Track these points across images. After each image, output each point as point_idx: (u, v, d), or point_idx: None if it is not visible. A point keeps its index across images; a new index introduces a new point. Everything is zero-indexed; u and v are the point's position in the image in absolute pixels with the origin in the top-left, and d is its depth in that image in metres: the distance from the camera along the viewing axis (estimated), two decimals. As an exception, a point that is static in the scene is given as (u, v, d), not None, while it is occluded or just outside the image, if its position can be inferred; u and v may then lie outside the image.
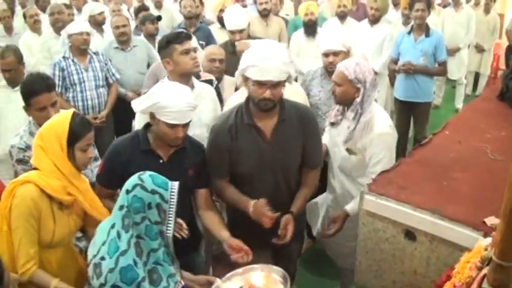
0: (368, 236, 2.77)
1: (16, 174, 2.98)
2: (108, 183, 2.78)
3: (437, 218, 2.45)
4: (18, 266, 2.25)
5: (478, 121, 3.76)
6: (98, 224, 2.40)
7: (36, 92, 2.97)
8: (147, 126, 2.71)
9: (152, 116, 2.56)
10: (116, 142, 2.79)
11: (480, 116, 3.91)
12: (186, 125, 2.59)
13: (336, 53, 3.77)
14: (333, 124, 3.31)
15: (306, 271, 4.16)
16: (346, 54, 3.81)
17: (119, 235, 2.05)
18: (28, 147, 2.97)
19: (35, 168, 2.37)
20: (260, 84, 2.59)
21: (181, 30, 3.31)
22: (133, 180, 2.08)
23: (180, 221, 2.46)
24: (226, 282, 2.41)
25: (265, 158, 2.77)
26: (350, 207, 3.07)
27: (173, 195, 2.09)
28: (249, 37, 4.82)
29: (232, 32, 4.63)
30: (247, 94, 2.74)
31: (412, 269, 2.61)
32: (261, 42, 2.73)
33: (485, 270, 1.43)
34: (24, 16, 6.40)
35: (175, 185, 2.11)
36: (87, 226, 2.58)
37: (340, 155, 3.22)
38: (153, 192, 2.05)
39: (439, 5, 8.90)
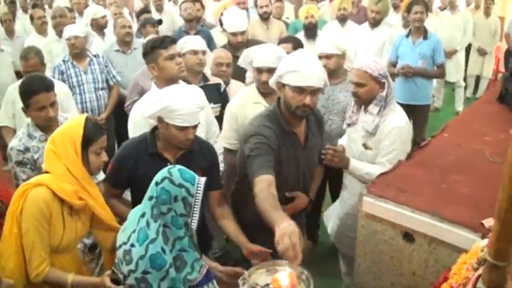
0: (367, 237, 2.78)
1: (15, 176, 3.02)
2: (116, 184, 2.80)
3: (436, 220, 2.46)
4: (32, 268, 2.26)
5: (478, 123, 3.77)
6: (107, 228, 2.52)
7: (35, 91, 2.98)
8: (155, 129, 2.71)
9: (160, 120, 2.55)
10: (125, 144, 2.80)
11: (480, 119, 3.92)
12: (195, 127, 2.59)
13: (328, 56, 3.78)
14: (349, 125, 3.35)
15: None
16: (341, 57, 3.82)
17: (148, 224, 2.15)
18: (27, 149, 3.01)
19: (45, 172, 2.39)
20: (300, 90, 2.58)
21: (167, 36, 3.33)
22: (163, 172, 2.17)
23: None
24: (253, 276, 2.41)
25: (301, 165, 2.83)
26: (355, 162, 3.10)
27: (199, 190, 2.16)
28: (251, 40, 4.85)
29: (233, 34, 4.62)
30: (282, 101, 2.71)
31: (411, 270, 2.62)
32: (299, 51, 2.73)
33: (480, 271, 1.44)
34: (32, 18, 6.42)
35: (202, 180, 2.18)
36: (96, 230, 2.60)
37: (358, 151, 3.23)
38: (180, 186, 2.13)
39: (439, 7, 8.92)
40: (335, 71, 3.75)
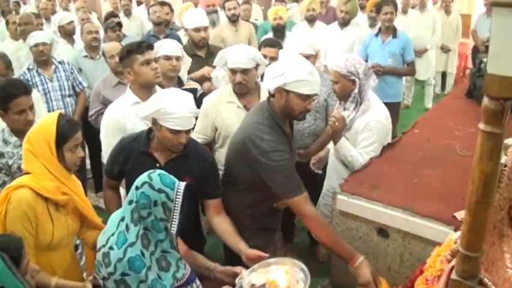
0: (342, 235, 2.78)
1: None
2: (110, 174, 2.85)
3: (409, 214, 2.49)
4: None
5: (447, 119, 3.84)
6: (90, 226, 2.54)
7: (15, 94, 2.95)
8: (148, 130, 2.71)
9: (154, 121, 2.55)
10: (122, 138, 2.81)
11: (449, 114, 3.99)
12: (188, 131, 2.58)
13: (307, 57, 3.78)
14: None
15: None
16: (315, 57, 3.86)
17: (127, 228, 2.14)
18: (2, 155, 2.99)
19: (26, 173, 2.37)
20: (307, 97, 2.57)
21: (143, 41, 3.29)
22: (143, 177, 2.15)
23: None
24: (251, 275, 2.45)
25: (293, 161, 2.83)
26: (344, 142, 3.17)
27: (179, 195, 2.14)
28: (212, 46, 4.85)
29: (197, 30, 4.61)
30: (281, 106, 2.62)
31: (386, 265, 2.65)
32: (299, 57, 2.67)
33: (453, 262, 1.45)
34: (7, 22, 6.30)
35: (181, 185, 2.16)
36: (82, 227, 2.60)
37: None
38: (160, 191, 2.11)
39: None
40: None
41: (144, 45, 3.16)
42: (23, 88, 3.02)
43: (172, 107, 2.46)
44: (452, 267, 1.45)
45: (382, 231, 2.61)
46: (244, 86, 3.27)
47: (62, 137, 2.37)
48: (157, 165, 2.65)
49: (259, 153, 2.57)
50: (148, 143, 2.67)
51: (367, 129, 3.12)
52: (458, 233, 1.65)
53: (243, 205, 2.81)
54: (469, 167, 1.29)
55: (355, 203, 2.68)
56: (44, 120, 2.44)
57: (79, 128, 2.51)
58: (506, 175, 1.64)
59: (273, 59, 3.67)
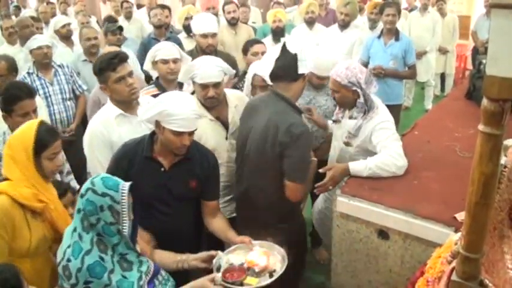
0: (342, 237, 2.79)
1: None
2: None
3: (410, 216, 2.48)
4: None
5: (447, 120, 3.83)
6: (59, 239, 2.44)
7: (20, 97, 2.99)
8: (154, 132, 2.66)
9: (157, 124, 2.53)
10: (124, 143, 2.75)
11: (448, 116, 3.99)
12: (191, 133, 2.56)
13: None
14: (335, 121, 3.40)
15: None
16: None
17: (80, 237, 2.12)
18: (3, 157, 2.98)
19: (5, 179, 2.36)
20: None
21: (115, 54, 3.08)
22: (86, 184, 2.14)
23: None
24: (228, 255, 2.49)
25: None
26: (353, 164, 2.96)
27: (124, 195, 2.12)
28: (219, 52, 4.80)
29: (204, 36, 4.46)
30: (294, 91, 2.85)
31: (387, 268, 2.64)
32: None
33: (454, 264, 1.45)
34: (1, 28, 6.31)
35: (125, 186, 2.14)
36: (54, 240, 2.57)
37: (339, 147, 3.32)
38: (104, 195, 2.09)
39: (406, 9, 9.05)
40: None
41: (115, 61, 2.98)
42: (28, 91, 3.05)
43: (175, 109, 2.44)
44: (453, 269, 1.45)
45: (383, 233, 2.61)
46: (216, 99, 3.14)
47: (40, 145, 2.35)
48: (162, 169, 2.63)
49: (294, 138, 2.67)
50: (151, 147, 2.64)
51: (379, 127, 3.02)
52: (459, 234, 1.66)
53: (270, 201, 2.85)
54: (469, 168, 1.29)
55: (355, 205, 2.68)
56: (25, 127, 2.44)
57: (58, 136, 2.49)
58: (506, 176, 1.64)
59: (263, 53, 3.93)
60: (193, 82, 3.15)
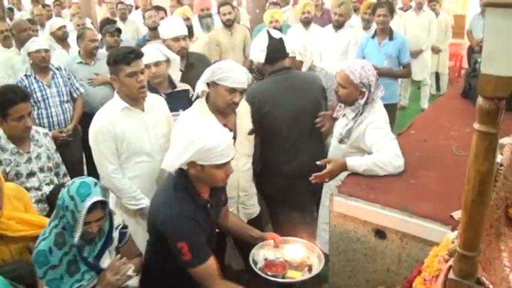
0: (340, 237, 2.80)
1: None
2: (206, 254, 2.40)
3: (407, 215, 2.49)
4: None
5: (443, 119, 3.84)
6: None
7: (15, 101, 3.00)
8: (184, 179, 2.45)
9: (193, 164, 2.35)
10: (179, 215, 2.36)
11: (445, 114, 4.00)
12: (230, 160, 2.42)
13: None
14: (334, 119, 3.40)
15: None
16: (294, 59, 3.95)
17: (49, 223, 2.28)
18: None
19: None
20: None
21: (132, 49, 3.12)
22: (73, 180, 2.26)
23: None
24: (260, 251, 2.66)
25: None
26: (350, 159, 2.93)
27: (84, 209, 2.17)
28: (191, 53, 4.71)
29: (176, 39, 4.27)
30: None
31: (385, 267, 2.65)
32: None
33: (451, 262, 1.46)
34: None
35: (90, 202, 2.18)
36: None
37: (334, 143, 3.34)
38: (72, 198, 2.18)
39: (401, 9, 9.07)
40: None
41: (131, 56, 3.02)
42: (22, 95, 3.06)
43: (213, 141, 2.29)
44: (450, 267, 1.45)
45: (380, 232, 2.62)
46: (237, 105, 3.11)
47: None
48: (209, 205, 2.53)
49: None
50: (198, 194, 2.47)
51: (372, 127, 3.00)
52: (456, 232, 1.66)
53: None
54: (466, 167, 1.30)
55: (352, 205, 2.68)
56: None
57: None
58: (503, 174, 1.65)
59: None
60: (215, 84, 3.01)
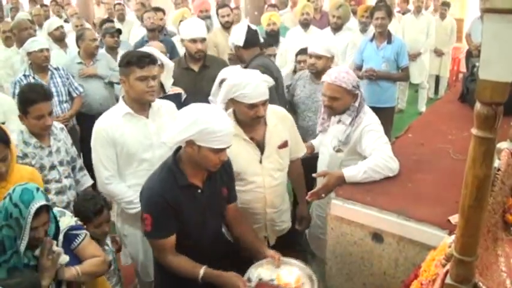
0: (337, 240, 2.79)
1: None
2: (169, 233, 2.49)
3: (404, 219, 2.49)
4: None
5: (441, 123, 3.84)
6: None
7: (36, 100, 3.06)
8: (175, 159, 2.51)
9: (191, 143, 2.37)
10: (150, 192, 2.48)
11: (442, 118, 4.00)
12: (227, 148, 2.44)
13: (318, 56, 4.05)
14: (321, 131, 3.40)
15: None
16: (329, 59, 4.06)
17: None
18: (25, 156, 3.12)
19: None
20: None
21: (148, 54, 3.09)
22: (10, 189, 2.23)
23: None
24: (258, 269, 2.56)
25: None
26: (347, 170, 2.87)
27: (29, 215, 2.16)
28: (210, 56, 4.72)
29: (193, 40, 4.30)
30: None
31: (381, 270, 2.64)
32: None
33: (448, 266, 1.46)
34: None
35: (35, 206, 2.17)
36: None
37: (328, 153, 3.27)
38: (15, 205, 2.16)
39: (399, 12, 9.09)
40: (321, 72, 3.82)
41: (146, 60, 2.98)
42: (44, 94, 3.13)
43: (216, 126, 2.31)
44: (447, 272, 1.45)
45: (377, 236, 2.61)
46: (263, 116, 2.91)
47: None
48: (199, 191, 2.53)
49: None
50: (184, 175, 2.48)
51: (367, 129, 3.00)
52: (453, 237, 1.66)
53: None
54: (463, 171, 1.30)
55: (349, 208, 2.68)
56: None
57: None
58: (500, 179, 1.65)
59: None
60: (235, 101, 2.85)
